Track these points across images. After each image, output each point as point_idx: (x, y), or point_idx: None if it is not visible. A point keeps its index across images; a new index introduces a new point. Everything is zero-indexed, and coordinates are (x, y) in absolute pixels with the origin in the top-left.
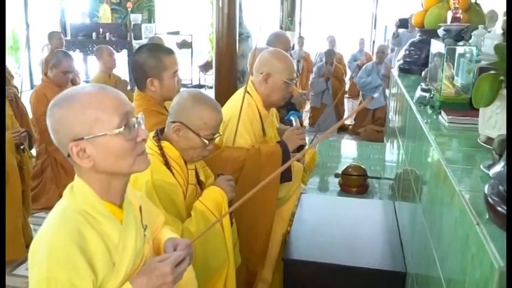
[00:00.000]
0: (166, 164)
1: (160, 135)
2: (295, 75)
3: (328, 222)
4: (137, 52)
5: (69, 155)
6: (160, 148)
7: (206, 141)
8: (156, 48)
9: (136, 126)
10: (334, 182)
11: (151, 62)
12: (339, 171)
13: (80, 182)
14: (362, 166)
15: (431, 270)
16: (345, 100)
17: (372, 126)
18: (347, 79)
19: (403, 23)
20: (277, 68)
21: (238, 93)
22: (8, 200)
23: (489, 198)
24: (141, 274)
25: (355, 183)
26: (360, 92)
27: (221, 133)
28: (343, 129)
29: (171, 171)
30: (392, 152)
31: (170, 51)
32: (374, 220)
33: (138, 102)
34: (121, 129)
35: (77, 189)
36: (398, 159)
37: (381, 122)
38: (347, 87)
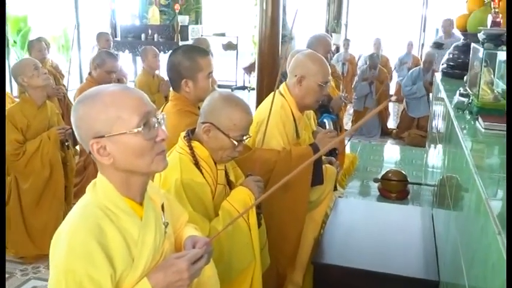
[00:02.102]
0: (196, 163)
1: (191, 135)
2: (330, 78)
3: (362, 227)
4: (173, 53)
5: (90, 152)
6: (191, 148)
7: (235, 142)
8: (192, 49)
9: (156, 126)
10: (375, 187)
11: (186, 63)
12: (380, 176)
13: (102, 178)
14: (402, 171)
15: (459, 279)
16: (391, 104)
17: (416, 130)
18: (392, 83)
19: (438, 45)
20: (311, 70)
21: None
22: (51, 195)
23: None
24: (158, 270)
25: (394, 188)
26: (404, 99)
27: (251, 135)
28: (386, 133)
29: (201, 170)
30: (433, 158)
31: (205, 53)
32: (410, 227)
33: (172, 103)
34: (140, 129)
35: (99, 185)
36: (437, 165)
37: (425, 129)
38: (393, 91)
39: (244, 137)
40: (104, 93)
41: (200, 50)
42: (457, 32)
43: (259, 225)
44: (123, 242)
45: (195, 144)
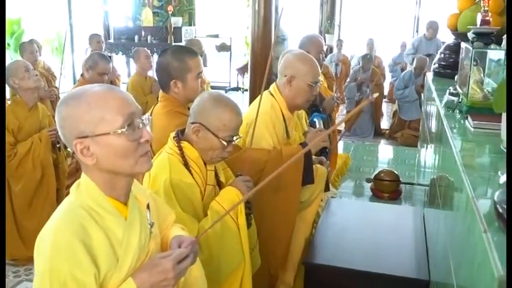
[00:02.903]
0: (185, 164)
1: (180, 136)
2: (320, 78)
3: (354, 227)
4: (162, 54)
5: (74, 152)
6: (180, 148)
7: (225, 143)
8: (180, 50)
9: (141, 127)
10: (368, 187)
11: (175, 64)
12: (373, 176)
13: (85, 178)
14: (395, 171)
15: (448, 278)
16: (384, 105)
17: (409, 130)
18: (385, 83)
19: None
20: (301, 70)
21: (264, 96)
22: (42, 197)
23: (498, 206)
24: (143, 270)
25: (387, 188)
26: (397, 102)
27: (241, 135)
28: (379, 134)
29: (190, 171)
30: (424, 158)
31: (194, 53)
32: (401, 227)
33: (162, 104)
34: (124, 130)
35: (83, 185)
36: (429, 165)
37: (418, 129)
38: (386, 92)
39: (234, 138)
40: (88, 93)
41: (189, 50)
42: (441, 35)
43: (249, 225)
44: (107, 242)
45: (184, 144)
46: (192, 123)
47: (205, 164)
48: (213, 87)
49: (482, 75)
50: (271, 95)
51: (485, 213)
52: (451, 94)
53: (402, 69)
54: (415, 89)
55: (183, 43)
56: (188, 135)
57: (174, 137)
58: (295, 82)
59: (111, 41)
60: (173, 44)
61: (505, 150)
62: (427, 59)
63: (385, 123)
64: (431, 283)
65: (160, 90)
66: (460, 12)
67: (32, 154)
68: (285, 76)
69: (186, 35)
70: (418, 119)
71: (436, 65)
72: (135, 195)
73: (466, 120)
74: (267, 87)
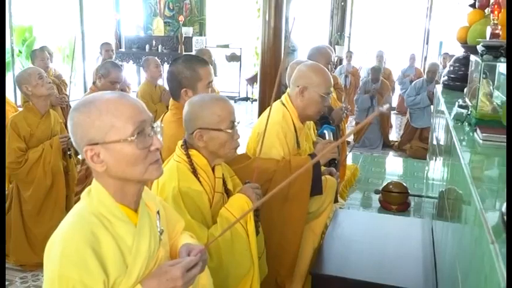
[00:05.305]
0: (194, 171)
1: (188, 144)
2: (332, 89)
3: (362, 238)
4: (173, 63)
5: (85, 159)
6: (188, 156)
7: (230, 131)
8: (191, 59)
9: (151, 135)
10: (376, 199)
11: (186, 73)
12: (381, 187)
13: (97, 184)
14: (403, 183)
15: None
16: (393, 116)
17: (418, 143)
18: (394, 96)
19: None
20: (314, 81)
21: (274, 105)
22: (52, 203)
23: (505, 217)
24: (152, 277)
25: (395, 200)
26: (408, 110)
27: (239, 122)
28: (388, 145)
29: (198, 179)
30: (433, 170)
31: (205, 63)
32: (409, 238)
33: (172, 112)
34: (133, 138)
35: (94, 192)
36: (437, 177)
37: (427, 141)
38: (395, 104)
39: (235, 123)
40: (100, 100)
41: (200, 59)
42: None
43: (257, 232)
44: (117, 249)
45: (192, 152)
46: (192, 133)
47: (213, 171)
48: None
49: (491, 88)
50: (283, 105)
51: (493, 225)
52: (460, 106)
53: (411, 81)
54: (427, 96)
55: (193, 53)
56: (194, 144)
57: (181, 145)
58: (308, 93)
59: (123, 49)
60: (184, 53)
61: None
62: (437, 63)
63: (393, 135)
64: None
65: (171, 99)
66: (470, 25)
67: (42, 160)
68: (298, 86)
69: (196, 45)
70: (429, 127)
71: (446, 78)
72: (145, 202)
73: (475, 133)
74: (277, 98)
